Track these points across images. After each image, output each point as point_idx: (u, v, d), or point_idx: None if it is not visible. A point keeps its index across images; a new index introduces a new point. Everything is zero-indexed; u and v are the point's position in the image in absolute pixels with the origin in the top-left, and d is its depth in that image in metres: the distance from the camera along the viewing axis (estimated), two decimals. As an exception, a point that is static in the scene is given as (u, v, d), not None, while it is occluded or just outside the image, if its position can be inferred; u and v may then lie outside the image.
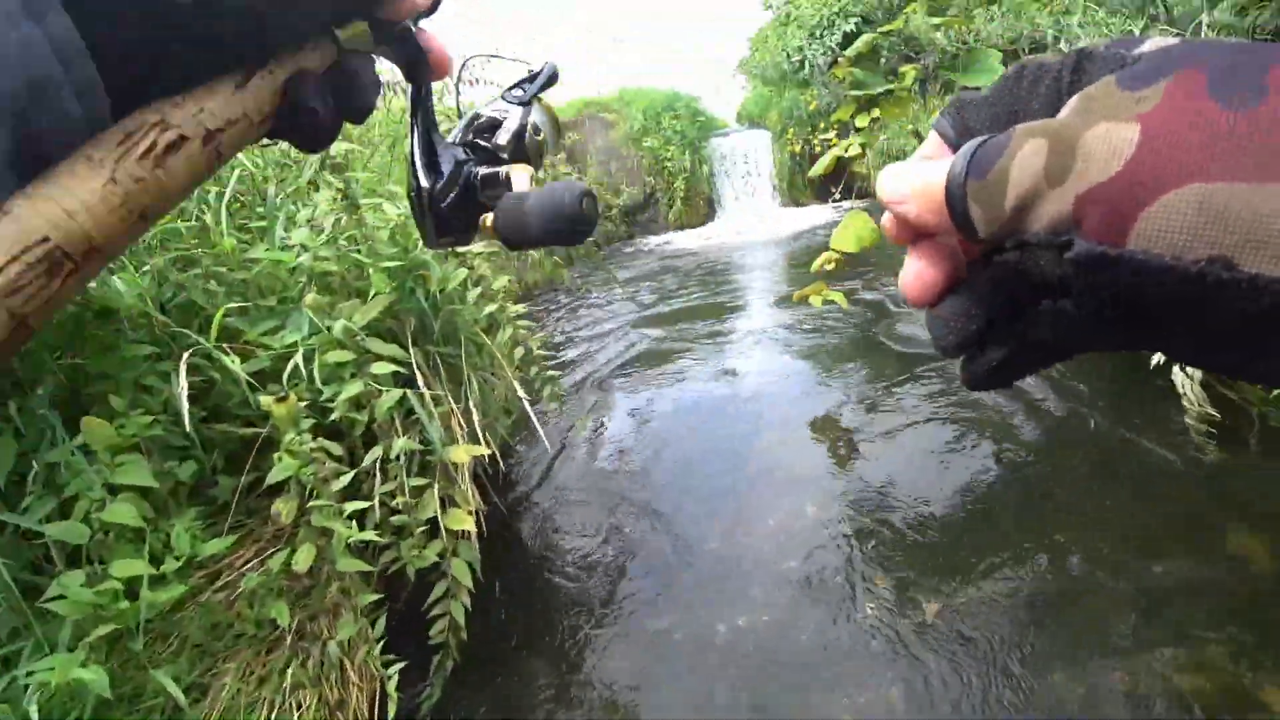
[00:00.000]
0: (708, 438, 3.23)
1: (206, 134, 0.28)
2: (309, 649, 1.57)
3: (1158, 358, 2.58)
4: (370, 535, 1.47)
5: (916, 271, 0.27)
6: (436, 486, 1.83)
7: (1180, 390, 2.53)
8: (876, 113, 2.40)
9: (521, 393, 2.49)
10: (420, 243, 2.19)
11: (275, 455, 1.52)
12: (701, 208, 11.27)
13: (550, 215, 0.38)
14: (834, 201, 10.70)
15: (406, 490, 1.72)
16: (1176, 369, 2.54)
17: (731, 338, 4.75)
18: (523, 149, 0.46)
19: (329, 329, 1.89)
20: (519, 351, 2.52)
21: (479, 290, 2.22)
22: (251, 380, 1.68)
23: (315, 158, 1.90)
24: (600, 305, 6.46)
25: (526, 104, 0.48)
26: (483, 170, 0.43)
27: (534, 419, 2.50)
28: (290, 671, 1.53)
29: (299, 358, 1.81)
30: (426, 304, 2.24)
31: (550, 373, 2.68)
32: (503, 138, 0.46)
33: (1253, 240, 0.17)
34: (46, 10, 0.24)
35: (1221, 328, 0.20)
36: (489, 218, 0.41)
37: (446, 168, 0.42)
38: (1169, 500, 2.17)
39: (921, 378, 3.40)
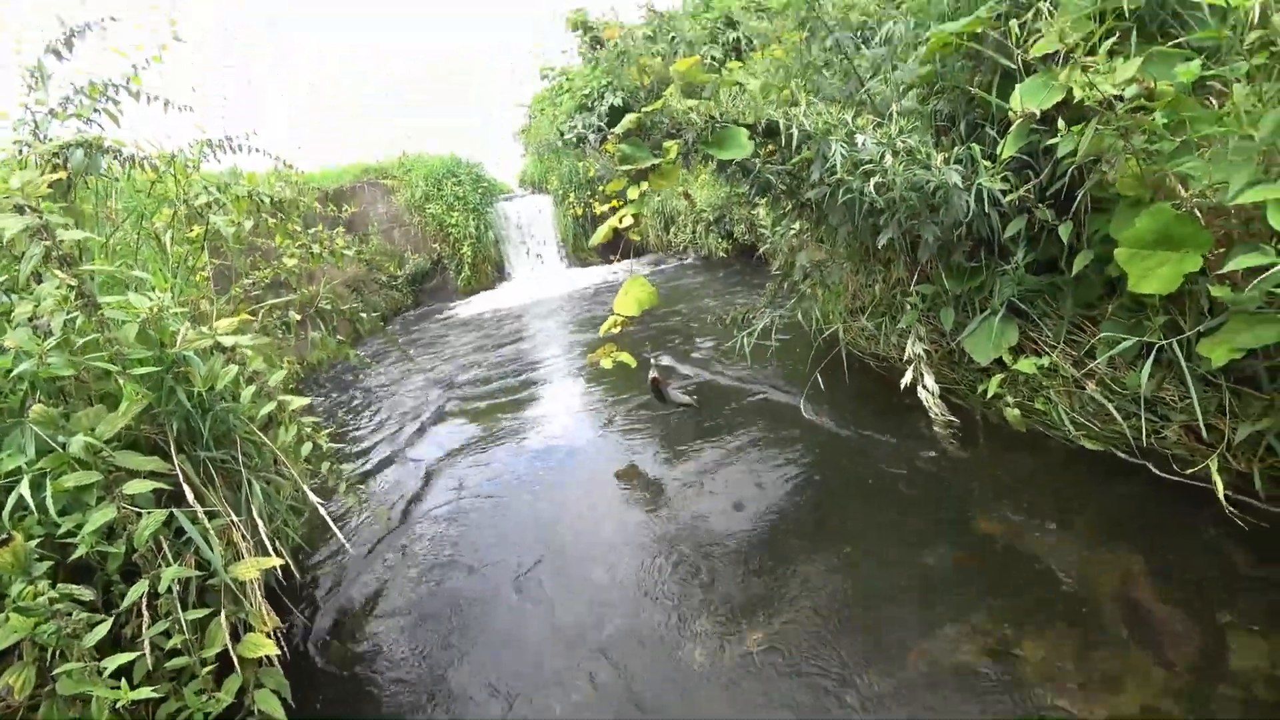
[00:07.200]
0: (515, 513, 3.16)
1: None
2: None
3: (906, 379, 3.05)
4: (146, 693, 1.22)
5: None
6: (224, 613, 1.59)
7: (926, 404, 3.01)
8: (645, 186, 2.64)
9: (312, 496, 2.25)
10: (179, 337, 1.93)
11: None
12: (490, 272, 11.26)
13: None
14: (614, 261, 11.36)
15: (184, 626, 1.47)
16: (920, 388, 3.04)
17: (530, 406, 4.75)
18: None
19: (64, 446, 1.59)
20: (307, 448, 2.29)
21: (254, 388, 1.99)
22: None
23: (38, 249, 1.59)
24: (392, 381, 6.11)
25: None
26: None
27: (329, 520, 2.28)
28: None
29: (24, 487, 1.50)
30: (191, 405, 1.97)
31: (342, 466, 2.46)
32: None
33: None
34: None
35: None
36: None
37: None
38: (929, 497, 2.57)
39: (707, 426, 3.69)
